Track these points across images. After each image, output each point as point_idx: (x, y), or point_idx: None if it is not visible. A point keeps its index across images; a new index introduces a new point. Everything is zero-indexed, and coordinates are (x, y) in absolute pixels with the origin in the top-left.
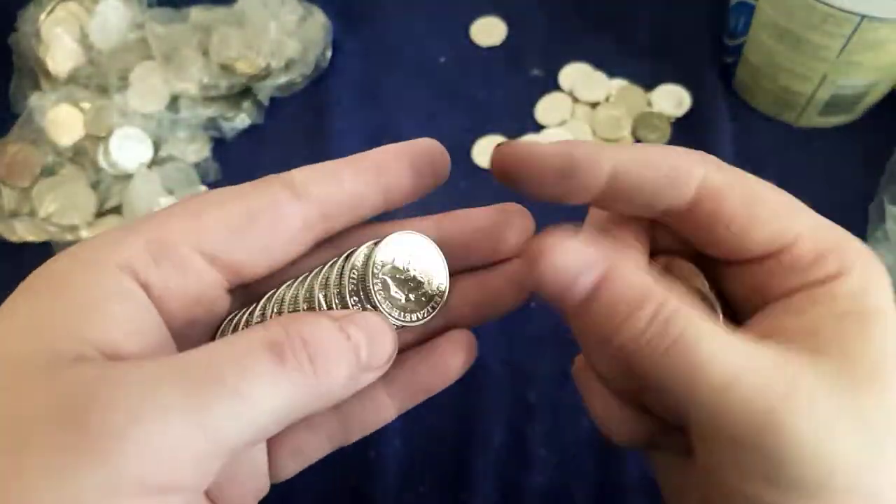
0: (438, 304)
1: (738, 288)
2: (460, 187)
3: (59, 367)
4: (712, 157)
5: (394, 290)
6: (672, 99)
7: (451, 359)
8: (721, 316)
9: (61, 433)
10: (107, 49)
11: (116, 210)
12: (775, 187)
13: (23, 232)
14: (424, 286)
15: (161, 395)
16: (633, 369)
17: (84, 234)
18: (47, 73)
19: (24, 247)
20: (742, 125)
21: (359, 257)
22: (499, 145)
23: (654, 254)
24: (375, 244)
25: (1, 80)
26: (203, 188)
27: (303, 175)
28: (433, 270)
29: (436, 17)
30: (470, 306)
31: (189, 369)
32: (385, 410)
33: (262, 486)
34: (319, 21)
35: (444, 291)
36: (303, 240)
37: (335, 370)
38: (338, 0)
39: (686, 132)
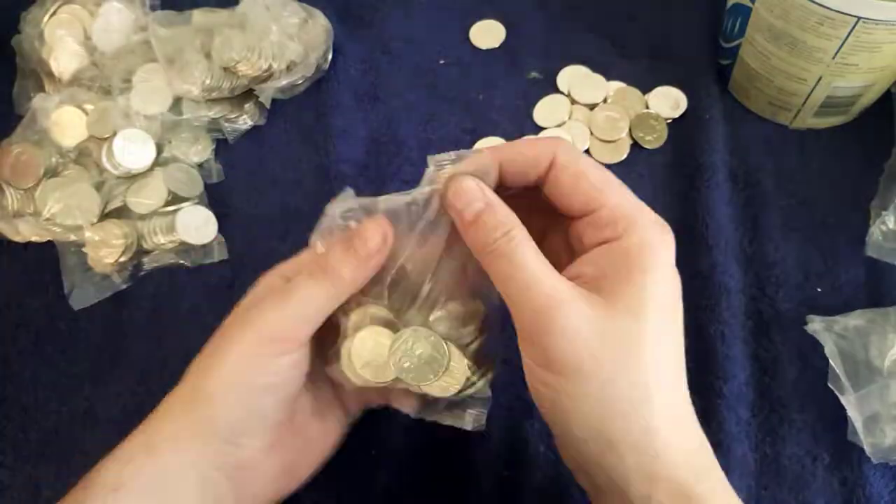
0: None
1: (575, 238)
2: None
3: None
4: (568, 145)
5: None
6: (669, 100)
7: None
8: None
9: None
10: (110, 51)
11: (119, 211)
12: (606, 171)
13: (27, 232)
14: None
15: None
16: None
17: (87, 234)
18: (51, 75)
19: (28, 246)
20: (738, 127)
21: None
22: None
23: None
24: None
25: (4, 82)
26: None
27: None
28: None
29: (435, 20)
30: None
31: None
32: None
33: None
34: (321, 24)
35: None
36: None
37: (344, 271)
38: (339, 3)
39: (682, 133)
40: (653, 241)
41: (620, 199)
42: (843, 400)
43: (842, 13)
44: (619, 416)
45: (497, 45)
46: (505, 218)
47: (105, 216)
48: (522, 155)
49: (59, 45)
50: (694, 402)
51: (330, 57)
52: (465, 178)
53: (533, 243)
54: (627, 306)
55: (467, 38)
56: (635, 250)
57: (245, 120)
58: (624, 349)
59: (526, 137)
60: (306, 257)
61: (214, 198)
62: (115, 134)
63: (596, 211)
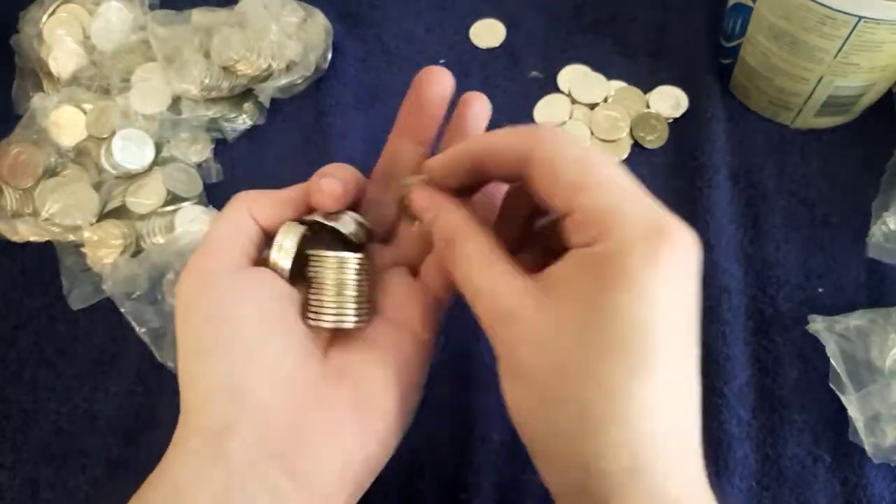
0: None
1: (565, 237)
2: None
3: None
4: (550, 135)
5: None
6: (669, 100)
7: None
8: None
9: None
10: (109, 50)
11: (118, 211)
12: (590, 164)
13: (25, 232)
14: None
15: None
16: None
17: (86, 234)
18: (49, 75)
19: (27, 247)
20: (739, 126)
21: None
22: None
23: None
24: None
25: (3, 82)
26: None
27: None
28: None
29: (435, 19)
30: None
31: None
32: None
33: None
34: (320, 23)
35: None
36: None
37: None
38: (338, 2)
39: (683, 133)
40: (630, 249)
41: (598, 200)
42: (844, 400)
43: (843, 13)
44: (564, 444)
45: (497, 45)
46: (447, 225)
47: (104, 216)
48: (497, 150)
49: (58, 44)
50: None
51: (329, 56)
52: (418, 190)
53: (484, 247)
54: (582, 329)
55: (467, 38)
56: (606, 261)
57: (244, 119)
58: (569, 374)
59: (508, 128)
60: None
61: (214, 198)
62: (113, 133)
63: (568, 215)
